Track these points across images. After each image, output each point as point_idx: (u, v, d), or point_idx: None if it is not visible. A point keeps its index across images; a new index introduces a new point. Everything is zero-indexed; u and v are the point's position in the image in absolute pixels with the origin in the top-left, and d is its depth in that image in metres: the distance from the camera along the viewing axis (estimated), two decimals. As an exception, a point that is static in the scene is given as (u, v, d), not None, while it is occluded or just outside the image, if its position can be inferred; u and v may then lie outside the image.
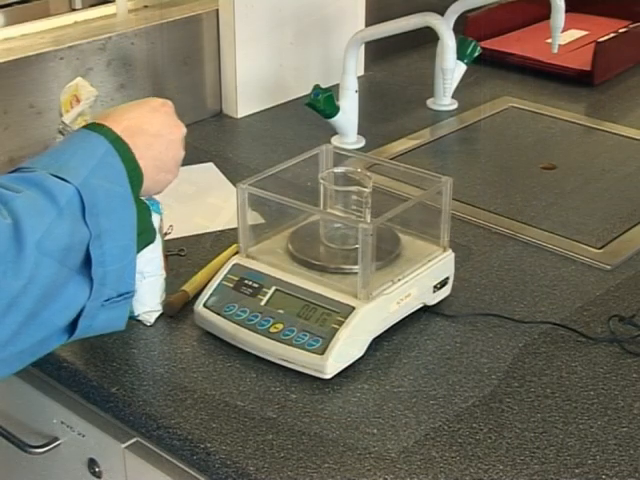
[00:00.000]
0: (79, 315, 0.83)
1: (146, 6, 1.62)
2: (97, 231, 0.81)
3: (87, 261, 0.81)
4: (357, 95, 1.51)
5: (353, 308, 0.98)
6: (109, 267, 0.83)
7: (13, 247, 0.75)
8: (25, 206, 0.77)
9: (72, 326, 0.83)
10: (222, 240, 1.22)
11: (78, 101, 1.10)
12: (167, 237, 1.12)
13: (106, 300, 0.84)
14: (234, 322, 1.01)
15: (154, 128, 0.92)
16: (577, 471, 0.87)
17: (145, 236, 0.91)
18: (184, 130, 0.97)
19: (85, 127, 0.89)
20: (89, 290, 0.82)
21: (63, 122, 1.09)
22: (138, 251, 0.87)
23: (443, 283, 1.09)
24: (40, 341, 0.81)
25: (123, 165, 0.86)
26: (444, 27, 1.43)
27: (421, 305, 1.07)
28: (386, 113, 1.67)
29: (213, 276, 1.07)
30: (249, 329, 1.00)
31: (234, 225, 1.08)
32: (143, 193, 0.91)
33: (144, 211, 0.91)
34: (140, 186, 0.89)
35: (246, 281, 1.04)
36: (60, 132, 1.08)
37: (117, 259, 0.84)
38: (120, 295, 0.85)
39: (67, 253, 0.79)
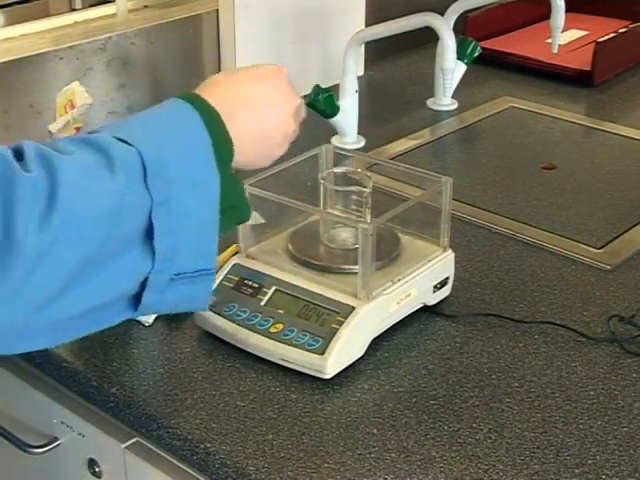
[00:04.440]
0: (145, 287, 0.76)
1: (146, 6, 1.62)
2: (161, 198, 0.73)
3: (152, 229, 0.74)
4: (357, 95, 1.51)
5: (353, 308, 0.98)
6: (180, 239, 0.75)
7: (44, 204, 0.68)
8: (69, 167, 0.70)
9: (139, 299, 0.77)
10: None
11: (73, 106, 1.09)
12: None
13: (177, 274, 0.76)
14: (234, 322, 1.01)
15: (261, 100, 0.84)
16: (577, 471, 0.87)
17: (234, 213, 0.83)
18: (298, 102, 0.88)
19: (178, 96, 0.81)
20: (152, 261, 0.74)
21: (49, 131, 1.08)
22: (227, 229, 0.80)
23: (443, 283, 1.09)
24: (97, 307, 0.74)
25: (209, 135, 0.77)
26: (444, 27, 1.43)
27: (421, 305, 1.07)
28: (386, 113, 1.67)
29: (213, 276, 1.07)
30: (249, 329, 1.00)
31: (234, 225, 1.08)
32: (243, 166, 0.84)
33: (234, 186, 0.82)
34: (230, 159, 0.81)
35: (246, 281, 1.04)
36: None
37: (191, 231, 0.76)
38: (196, 271, 0.78)
39: (115, 217, 0.71)
